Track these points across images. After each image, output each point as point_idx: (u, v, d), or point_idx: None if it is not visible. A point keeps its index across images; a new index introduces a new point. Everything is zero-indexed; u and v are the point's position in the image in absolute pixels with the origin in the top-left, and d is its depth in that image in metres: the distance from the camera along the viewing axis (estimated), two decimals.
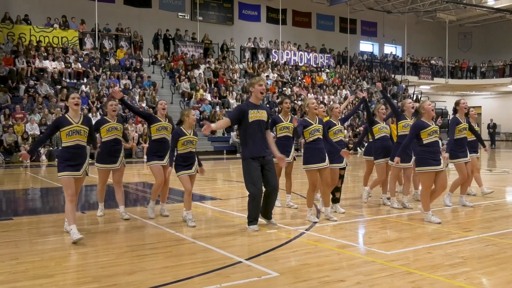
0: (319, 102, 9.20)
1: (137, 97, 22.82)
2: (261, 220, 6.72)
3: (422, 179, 6.98)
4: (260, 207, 6.54)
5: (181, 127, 6.91)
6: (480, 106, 39.28)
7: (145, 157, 16.73)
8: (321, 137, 6.99)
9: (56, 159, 7.37)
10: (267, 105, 23.61)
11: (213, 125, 6.20)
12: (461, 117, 8.34)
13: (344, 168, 7.68)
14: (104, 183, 7.42)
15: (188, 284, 4.32)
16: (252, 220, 6.47)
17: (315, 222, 6.87)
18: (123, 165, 7.36)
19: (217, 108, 24.45)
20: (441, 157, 7.06)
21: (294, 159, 8.28)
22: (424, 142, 6.91)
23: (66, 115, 6.13)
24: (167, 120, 7.36)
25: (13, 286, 4.32)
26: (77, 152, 6.07)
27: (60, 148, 6.37)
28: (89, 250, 5.59)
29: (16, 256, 5.31)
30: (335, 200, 7.74)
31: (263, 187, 6.47)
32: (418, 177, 7.78)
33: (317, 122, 7.00)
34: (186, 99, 24.58)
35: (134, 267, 4.84)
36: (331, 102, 27.15)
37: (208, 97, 25.11)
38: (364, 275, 4.53)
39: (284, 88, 28.06)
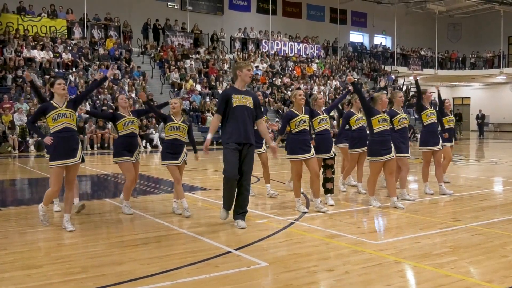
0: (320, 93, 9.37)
1: (126, 88, 22.64)
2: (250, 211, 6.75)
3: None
4: (234, 196, 6.16)
5: (170, 114, 7.02)
6: (469, 97, 39.52)
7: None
8: (307, 128, 7.03)
9: (45, 150, 7.16)
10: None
11: (209, 136, 6.09)
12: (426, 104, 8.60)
13: (333, 158, 7.68)
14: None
15: (177, 274, 4.33)
16: (224, 207, 6.22)
17: (304, 212, 6.90)
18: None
19: (207, 99, 24.34)
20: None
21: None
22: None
23: (51, 101, 6.05)
24: (130, 114, 7.07)
25: (1, 276, 4.30)
26: (67, 135, 5.95)
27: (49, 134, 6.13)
28: (78, 240, 5.57)
29: (4, 246, 5.28)
30: (327, 191, 7.66)
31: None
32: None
33: (303, 113, 7.03)
34: (176, 89, 24.45)
35: (123, 258, 4.83)
36: (314, 93, 27.19)
37: (198, 87, 24.99)
38: (353, 264, 4.57)
39: (274, 79, 28.00)
